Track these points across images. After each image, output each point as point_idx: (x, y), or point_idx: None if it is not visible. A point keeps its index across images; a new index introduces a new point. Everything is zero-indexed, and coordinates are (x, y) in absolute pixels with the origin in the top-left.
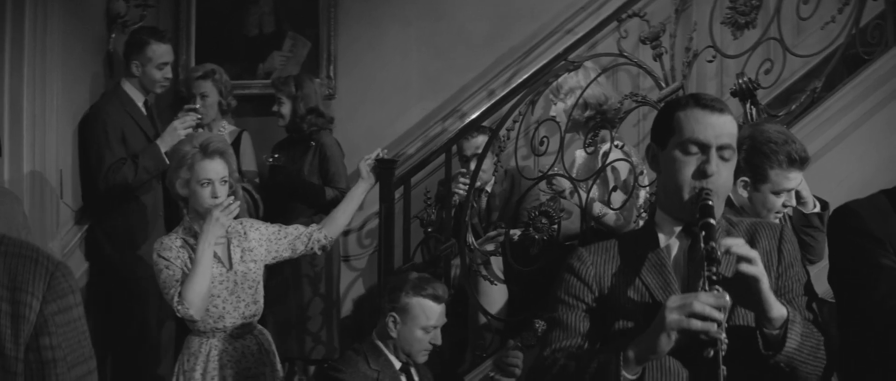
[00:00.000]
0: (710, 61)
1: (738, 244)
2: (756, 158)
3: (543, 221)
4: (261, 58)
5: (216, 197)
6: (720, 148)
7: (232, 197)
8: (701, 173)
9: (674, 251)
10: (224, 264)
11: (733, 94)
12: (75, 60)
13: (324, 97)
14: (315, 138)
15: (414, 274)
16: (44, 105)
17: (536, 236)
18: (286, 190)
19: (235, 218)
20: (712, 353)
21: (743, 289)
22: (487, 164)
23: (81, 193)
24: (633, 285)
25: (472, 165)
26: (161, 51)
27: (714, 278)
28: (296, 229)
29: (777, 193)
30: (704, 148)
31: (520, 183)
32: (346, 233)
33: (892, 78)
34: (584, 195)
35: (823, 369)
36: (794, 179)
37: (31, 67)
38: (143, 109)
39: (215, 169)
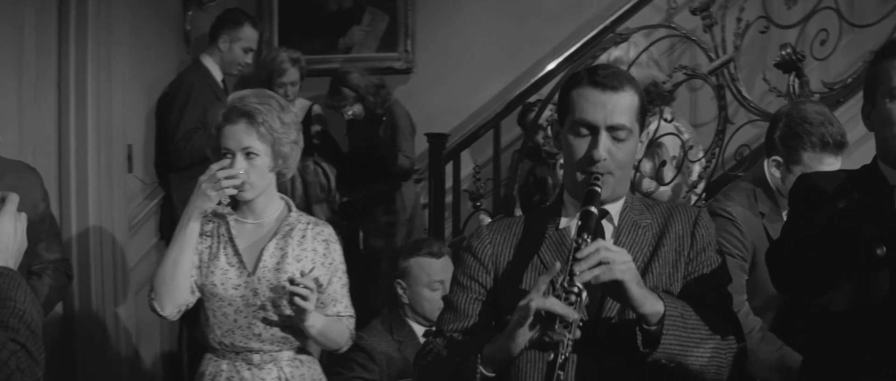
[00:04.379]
0: (763, 32)
1: (591, 257)
2: (791, 138)
3: None
4: (340, 33)
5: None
6: (612, 128)
7: (230, 168)
8: (589, 159)
9: (573, 232)
10: (244, 265)
11: (776, 65)
12: (145, 37)
13: (397, 71)
14: (387, 112)
15: (413, 239)
16: (110, 81)
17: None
18: (363, 146)
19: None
20: (552, 357)
21: (613, 289)
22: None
23: (154, 164)
24: (532, 262)
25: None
26: (252, 35)
27: (573, 273)
28: (348, 311)
29: None
30: (594, 130)
31: None
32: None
33: None
34: (631, 172)
35: (723, 360)
36: (830, 165)
37: (96, 44)
38: (221, 85)
39: (236, 137)
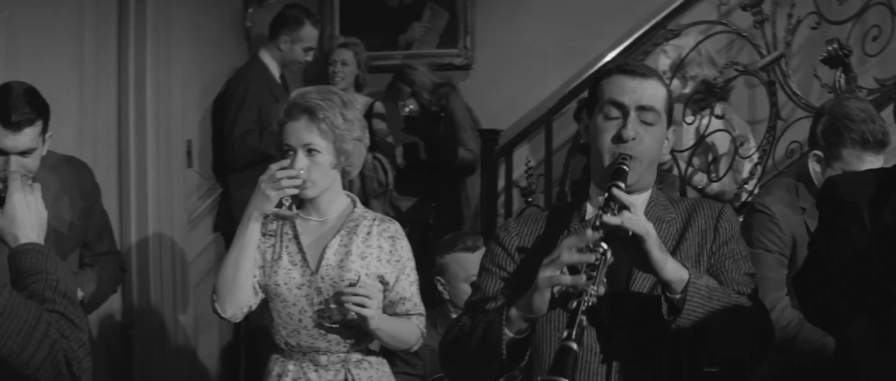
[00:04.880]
0: (814, 28)
1: (617, 217)
2: (831, 134)
3: None
4: (401, 29)
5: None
6: (641, 110)
7: (290, 168)
8: (618, 138)
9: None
10: (307, 263)
11: (823, 61)
12: (205, 33)
13: (442, 66)
14: (444, 108)
15: (448, 235)
16: (169, 76)
17: None
18: (422, 141)
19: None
20: (575, 304)
21: (635, 251)
22: None
23: (211, 162)
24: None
25: None
26: (312, 35)
27: (598, 234)
28: (417, 309)
29: None
30: (624, 111)
31: None
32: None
33: None
34: (682, 166)
35: (747, 336)
36: (870, 163)
37: (155, 39)
38: (279, 81)
39: (297, 133)
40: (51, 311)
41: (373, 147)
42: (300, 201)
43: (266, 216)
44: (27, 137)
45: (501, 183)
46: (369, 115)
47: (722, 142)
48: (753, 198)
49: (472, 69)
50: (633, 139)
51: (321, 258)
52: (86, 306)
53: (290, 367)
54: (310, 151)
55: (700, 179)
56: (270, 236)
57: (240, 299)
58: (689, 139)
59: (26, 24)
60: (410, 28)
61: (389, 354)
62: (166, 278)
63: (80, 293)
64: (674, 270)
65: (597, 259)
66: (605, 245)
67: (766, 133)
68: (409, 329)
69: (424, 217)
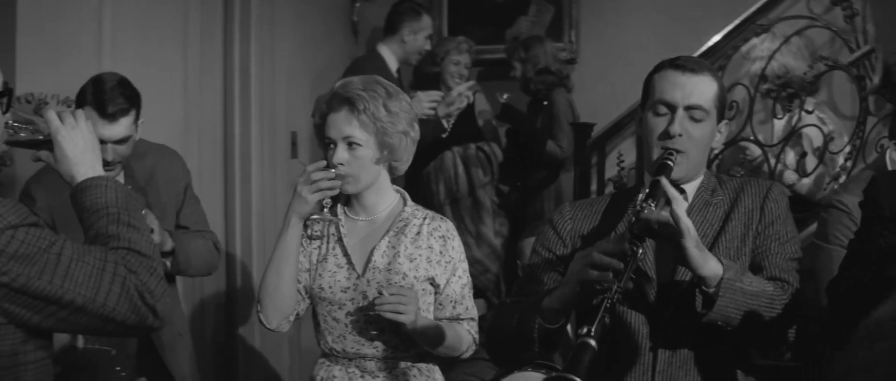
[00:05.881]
0: None
1: (660, 212)
2: None
3: None
4: (508, 23)
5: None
6: (689, 108)
7: (333, 167)
8: (665, 134)
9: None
10: (353, 266)
11: None
12: (311, 27)
13: (562, 60)
14: (548, 98)
15: (532, 223)
16: (274, 69)
17: None
18: (512, 128)
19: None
20: (598, 300)
21: (674, 246)
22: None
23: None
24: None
25: None
26: (430, 22)
27: (634, 232)
28: (469, 314)
29: None
30: (672, 109)
31: None
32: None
33: None
34: (772, 162)
35: (779, 333)
36: None
37: (259, 29)
38: (395, 76)
39: (337, 125)
40: (116, 249)
41: (477, 136)
42: (346, 198)
43: (306, 220)
44: (122, 126)
45: (596, 175)
46: (471, 103)
47: (815, 137)
48: (831, 195)
49: (577, 63)
50: (680, 136)
51: (368, 261)
52: (176, 262)
53: (336, 372)
54: (350, 144)
55: (790, 175)
56: (317, 238)
57: (284, 308)
58: (779, 135)
59: (132, 16)
60: (517, 22)
61: None
62: None
63: (169, 244)
64: (710, 267)
65: (628, 255)
66: (637, 244)
67: (855, 128)
68: (458, 335)
69: (519, 206)
